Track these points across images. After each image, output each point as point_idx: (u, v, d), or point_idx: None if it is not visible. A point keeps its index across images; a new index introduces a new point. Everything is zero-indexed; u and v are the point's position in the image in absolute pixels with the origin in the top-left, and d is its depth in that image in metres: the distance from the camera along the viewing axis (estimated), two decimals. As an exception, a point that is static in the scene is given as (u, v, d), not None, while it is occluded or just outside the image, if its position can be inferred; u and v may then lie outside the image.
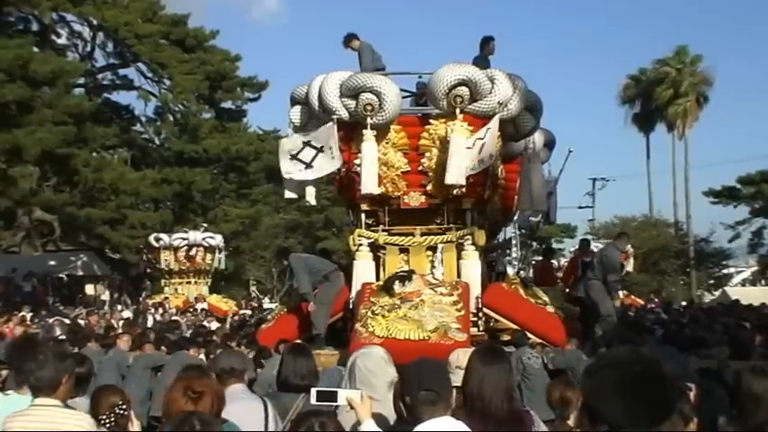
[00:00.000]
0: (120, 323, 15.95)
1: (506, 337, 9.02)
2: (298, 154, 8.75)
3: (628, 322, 12.58)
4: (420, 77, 9.73)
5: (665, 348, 6.83)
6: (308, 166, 8.70)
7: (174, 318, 18.29)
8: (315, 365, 4.39)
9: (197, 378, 2.91)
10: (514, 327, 9.00)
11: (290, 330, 9.10)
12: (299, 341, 7.28)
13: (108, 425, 3.35)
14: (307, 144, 8.64)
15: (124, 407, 3.43)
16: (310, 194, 9.41)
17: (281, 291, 34.62)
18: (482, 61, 9.55)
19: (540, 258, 18.74)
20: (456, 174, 8.19)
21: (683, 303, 25.38)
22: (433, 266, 8.78)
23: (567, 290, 12.21)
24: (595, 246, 27.72)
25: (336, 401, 3.21)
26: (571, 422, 3.62)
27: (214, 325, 16.69)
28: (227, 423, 3.52)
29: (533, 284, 10.84)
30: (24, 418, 3.18)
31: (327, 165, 8.65)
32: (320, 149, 8.57)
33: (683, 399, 3.37)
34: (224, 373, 3.97)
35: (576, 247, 29.86)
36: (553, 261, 19.52)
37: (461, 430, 2.90)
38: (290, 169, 8.87)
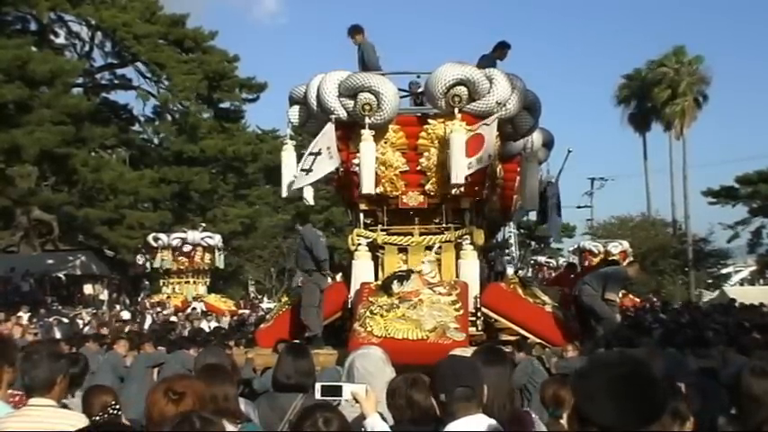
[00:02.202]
0: (119, 324, 15.94)
1: (505, 337, 9.01)
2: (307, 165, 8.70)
3: (627, 323, 12.54)
4: (418, 77, 9.69)
5: (665, 349, 6.83)
6: (309, 171, 8.66)
7: (171, 320, 18.29)
8: (312, 365, 4.35)
9: (179, 379, 2.86)
10: (513, 326, 8.99)
11: (289, 330, 9.09)
12: (297, 341, 7.27)
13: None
14: (311, 154, 8.59)
15: (117, 407, 3.41)
16: (308, 195, 9.39)
17: (280, 290, 34.60)
18: (488, 61, 9.48)
19: (563, 270, 18.65)
20: (458, 173, 8.17)
21: (681, 303, 25.36)
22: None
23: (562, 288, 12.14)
24: (593, 246, 27.85)
25: (341, 396, 3.19)
26: (564, 422, 3.60)
27: (213, 324, 16.67)
28: (250, 423, 3.50)
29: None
30: (19, 418, 3.16)
31: (325, 165, 8.62)
32: (318, 153, 8.54)
33: (679, 398, 3.35)
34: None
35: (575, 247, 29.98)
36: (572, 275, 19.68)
37: (499, 430, 2.87)
38: (299, 180, 8.82)
